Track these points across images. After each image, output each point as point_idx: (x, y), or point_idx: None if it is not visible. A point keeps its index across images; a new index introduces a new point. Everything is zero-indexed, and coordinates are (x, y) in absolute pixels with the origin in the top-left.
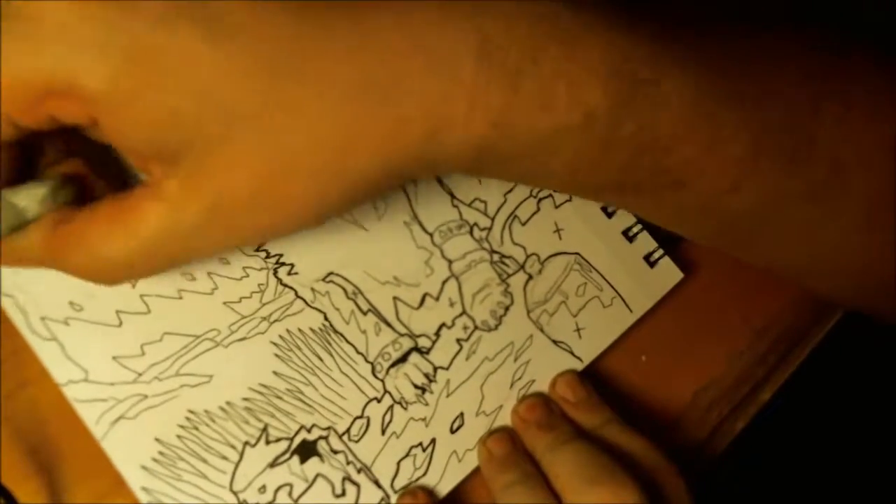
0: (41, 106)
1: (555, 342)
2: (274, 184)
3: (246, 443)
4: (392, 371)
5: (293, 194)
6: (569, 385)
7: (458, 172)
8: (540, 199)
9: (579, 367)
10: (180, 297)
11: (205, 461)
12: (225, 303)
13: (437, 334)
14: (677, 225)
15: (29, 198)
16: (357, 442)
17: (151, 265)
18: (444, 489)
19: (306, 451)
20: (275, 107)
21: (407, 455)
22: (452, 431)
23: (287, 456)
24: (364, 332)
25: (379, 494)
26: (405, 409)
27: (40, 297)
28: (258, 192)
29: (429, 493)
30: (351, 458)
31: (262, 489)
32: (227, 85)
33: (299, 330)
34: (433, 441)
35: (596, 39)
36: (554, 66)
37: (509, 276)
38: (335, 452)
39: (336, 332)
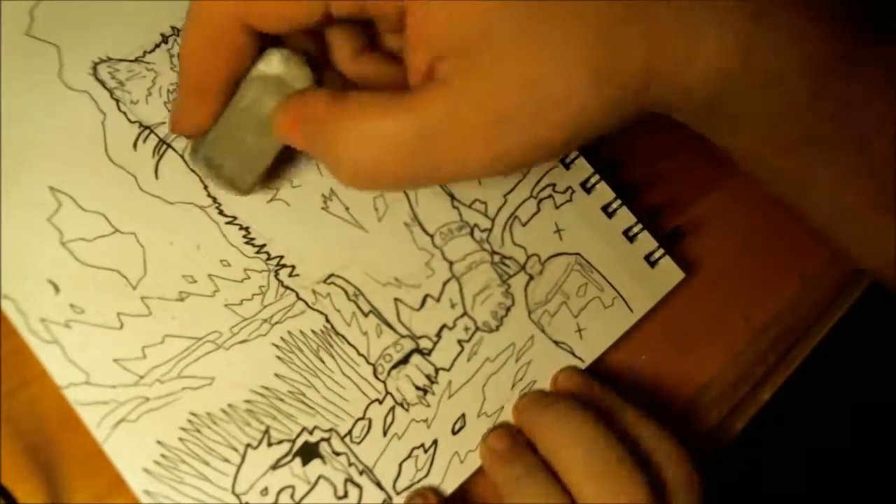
0: None
1: (556, 343)
2: (542, 90)
3: (248, 445)
4: (393, 372)
5: (557, 105)
6: (569, 378)
7: (695, 111)
8: (540, 200)
9: (581, 367)
10: (181, 300)
11: (207, 463)
12: (226, 305)
13: (439, 335)
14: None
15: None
16: (359, 444)
17: (419, 161)
18: (446, 490)
19: (308, 453)
20: (550, 21)
21: (409, 456)
22: (454, 433)
23: (289, 458)
24: (365, 333)
25: (381, 496)
26: (407, 410)
27: (40, 299)
28: (528, 97)
29: (436, 493)
30: (353, 459)
31: (265, 491)
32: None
33: (301, 332)
34: (435, 442)
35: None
36: (795, 10)
37: (510, 276)
38: (337, 454)
39: (337, 333)
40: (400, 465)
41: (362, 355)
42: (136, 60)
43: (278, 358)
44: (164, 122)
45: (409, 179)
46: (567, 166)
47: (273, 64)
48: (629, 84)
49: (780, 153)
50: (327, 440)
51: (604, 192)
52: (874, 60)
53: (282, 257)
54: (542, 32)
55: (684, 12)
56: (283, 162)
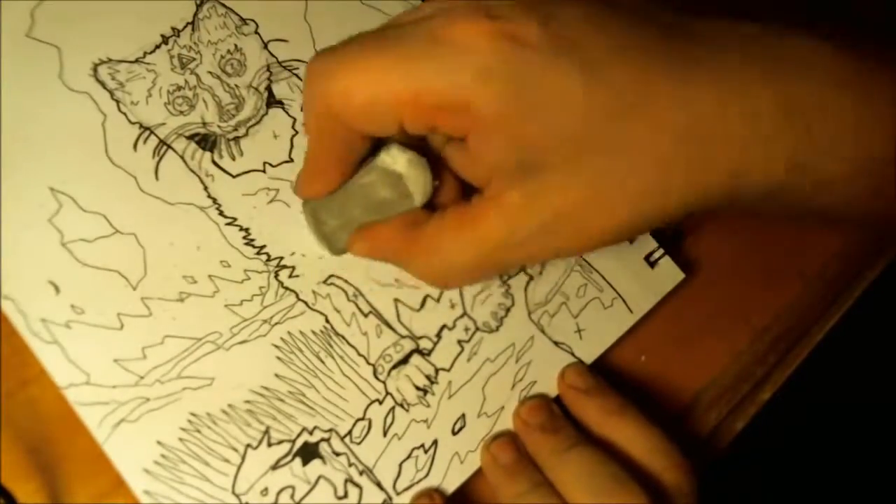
0: (431, 117)
1: (556, 343)
2: (601, 206)
3: (248, 445)
4: (393, 373)
5: (614, 218)
6: (578, 374)
7: (742, 211)
8: None
9: None
10: (182, 300)
11: (207, 464)
12: (226, 305)
13: (439, 336)
14: None
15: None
16: (359, 444)
17: (483, 272)
18: (446, 490)
19: (308, 453)
20: (619, 142)
21: (409, 457)
22: (454, 433)
23: (289, 458)
24: (365, 334)
25: (381, 496)
26: (407, 410)
27: (41, 299)
28: (587, 212)
29: (441, 494)
30: (353, 459)
31: (265, 492)
32: (590, 119)
33: (301, 332)
34: (435, 442)
35: (882, 87)
36: (843, 117)
37: (510, 277)
38: (337, 454)
39: (337, 334)
40: (400, 465)
41: (362, 356)
42: (136, 61)
43: (278, 358)
44: (164, 123)
45: (478, 280)
46: None
47: (399, 163)
48: (671, 211)
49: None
50: (327, 440)
51: None
52: None
53: (282, 258)
54: (591, 164)
55: (731, 142)
56: (284, 162)
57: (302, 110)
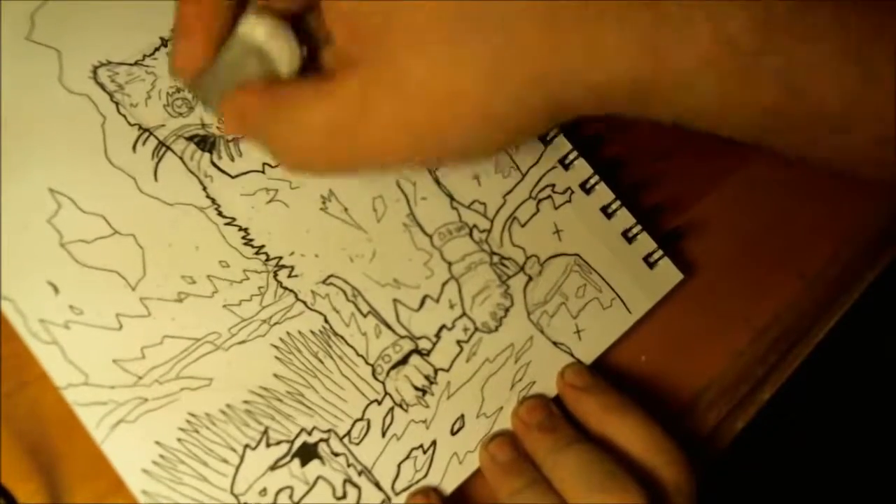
0: None
1: (555, 343)
2: (441, 80)
3: (246, 445)
4: (392, 373)
5: (464, 90)
6: (576, 373)
7: (618, 109)
8: (539, 201)
9: None
10: (180, 300)
11: (205, 464)
12: (225, 306)
13: (438, 336)
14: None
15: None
16: (358, 444)
17: (338, 146)
18: (445, 491)
19: (307, 453)
20: (461, 15)
21: (407, 457)
22: (453, 433)
23: (288, 458)
24: (364, 334)
25: (380, 497)
26: (406, 411)
27: (40, 300)
28: (433, 80)
29: (438, 493)
30: (352, 460)
31: (263, 492)
32: None
33: (299, 332)
34: (434, 443)
35: None
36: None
37: (509, 277)
38: (336, 455)
39: (336, 334)
40: (399, 465)
41: (361, 356)
42: (135, 64)
43: (277, 359)
44: (163, 125)
45: (341, 161)
46: (566, 167)
47: (257, 32)
48: (528, 84)
49: (749, 136)
50: (326, 441)
51: (603, 193)
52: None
53: (281, 258)
54: (450, 27)
55: (585, 21)
56: None
57: None
